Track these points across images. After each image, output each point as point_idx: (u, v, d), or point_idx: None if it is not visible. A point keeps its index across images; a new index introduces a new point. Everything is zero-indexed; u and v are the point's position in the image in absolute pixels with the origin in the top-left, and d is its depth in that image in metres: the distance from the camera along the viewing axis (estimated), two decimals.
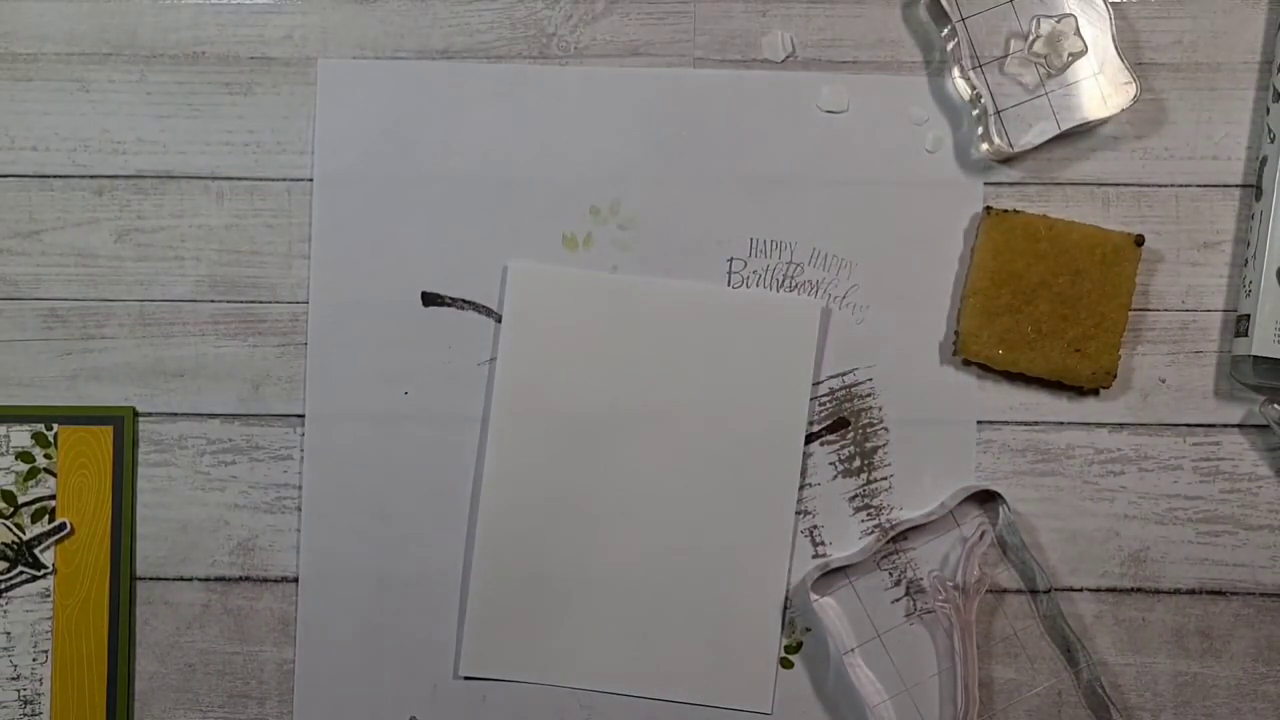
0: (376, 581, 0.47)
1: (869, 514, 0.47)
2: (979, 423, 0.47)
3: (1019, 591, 0.47)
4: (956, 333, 0.46)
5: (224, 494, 0.47)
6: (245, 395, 0.47)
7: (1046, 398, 0.47)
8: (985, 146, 0.46)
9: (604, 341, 0.46)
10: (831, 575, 0.46)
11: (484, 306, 0.47)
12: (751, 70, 0.47)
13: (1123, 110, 0.46)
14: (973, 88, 0.46)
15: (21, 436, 0.46)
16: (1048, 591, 0.46)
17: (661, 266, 0.47)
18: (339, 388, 0.47)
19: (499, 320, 0.47)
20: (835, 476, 0.47)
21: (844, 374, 0.47)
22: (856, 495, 0.47)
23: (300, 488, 0.47)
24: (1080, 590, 0.47)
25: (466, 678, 0.46)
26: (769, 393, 0.46)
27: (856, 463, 0.47)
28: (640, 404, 0.46)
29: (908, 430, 0.47)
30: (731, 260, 0.47)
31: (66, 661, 0.46)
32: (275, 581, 0.47)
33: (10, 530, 0.46)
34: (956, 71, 0.46)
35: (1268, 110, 0.47)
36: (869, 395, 0.47)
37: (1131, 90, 0.45)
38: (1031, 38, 0.46)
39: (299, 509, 0.47)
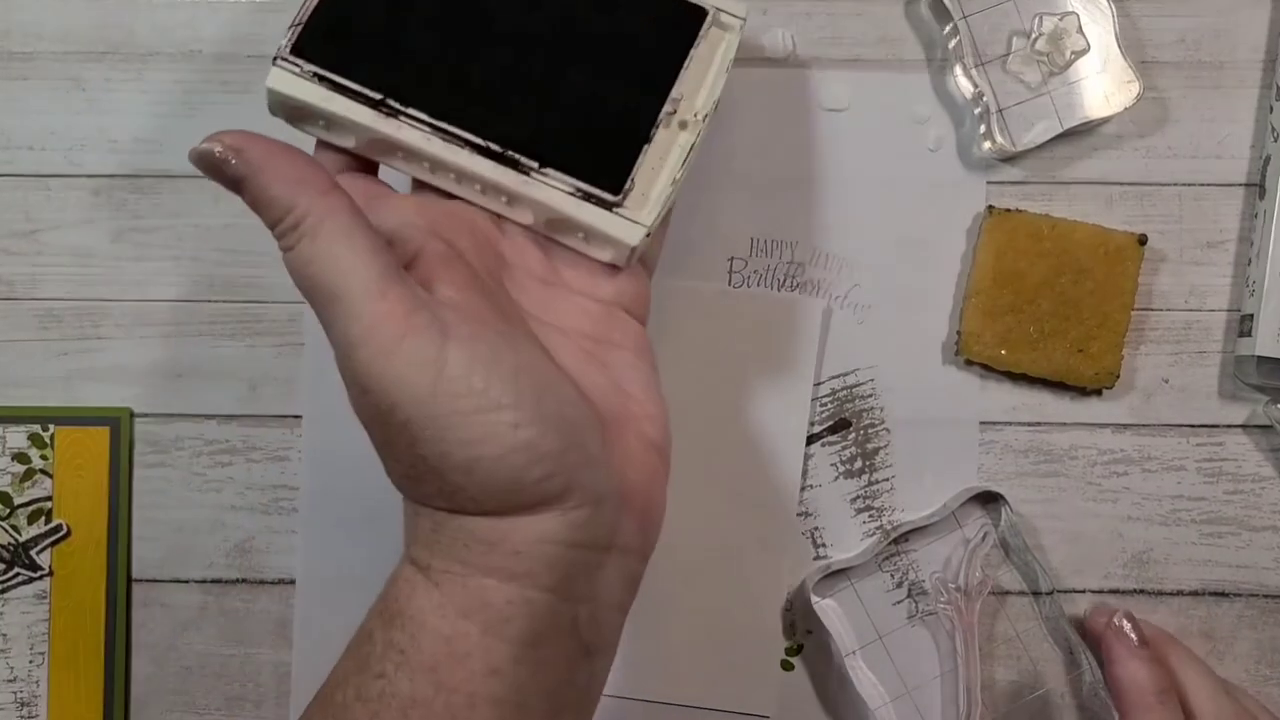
0: (374, 583, 0.46)
1: (870, 515, 0.47)
2: (981, 423, 0.47)
3: (1021, 593, 0.47)
4: (959, 333, 0.46)
5: (221, 495, 0.47)
6: (242, 396, 0.46)
7: (1049, 398, 0.47)
8: (988, 145, 0.46)
9: None
10: (833, 577, 0.46)
11: None
12: (752, 69, 0.47)
13: (1126, 109, 0.45)
14: (975, 86, 0.45)
15: (18, 437, 0.46)
16: (1050, 593, 0.46)
17: (662, 266, 0.46)
18: (337, 388, 0.46)
19: None
20: (836, 478, 0.47)
21: (845, 374, 0.47)
22: (858, 496, 0.47)
23: (298, 489, 0.47)
24: (1083, 592, 0.47)
25: None
26: (770, 393, 0.46)
27: (858, 464, 0.47)
28: None
29: (909, 431, 0.47)
30: (732, 260, 0.47)
31: (63, 663, 0.46)
32: (272, 584, 0.47)
33: (7, 532, 0.46)
34: (959, 69, 0.46)
35: (1271, 109, 0.46)
36: (870, 396, 0.47)
37: (1134, 88, 0.45)
38: (1034, 36, 0.46)
39: (296, 510, 0.47)
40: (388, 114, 0.35)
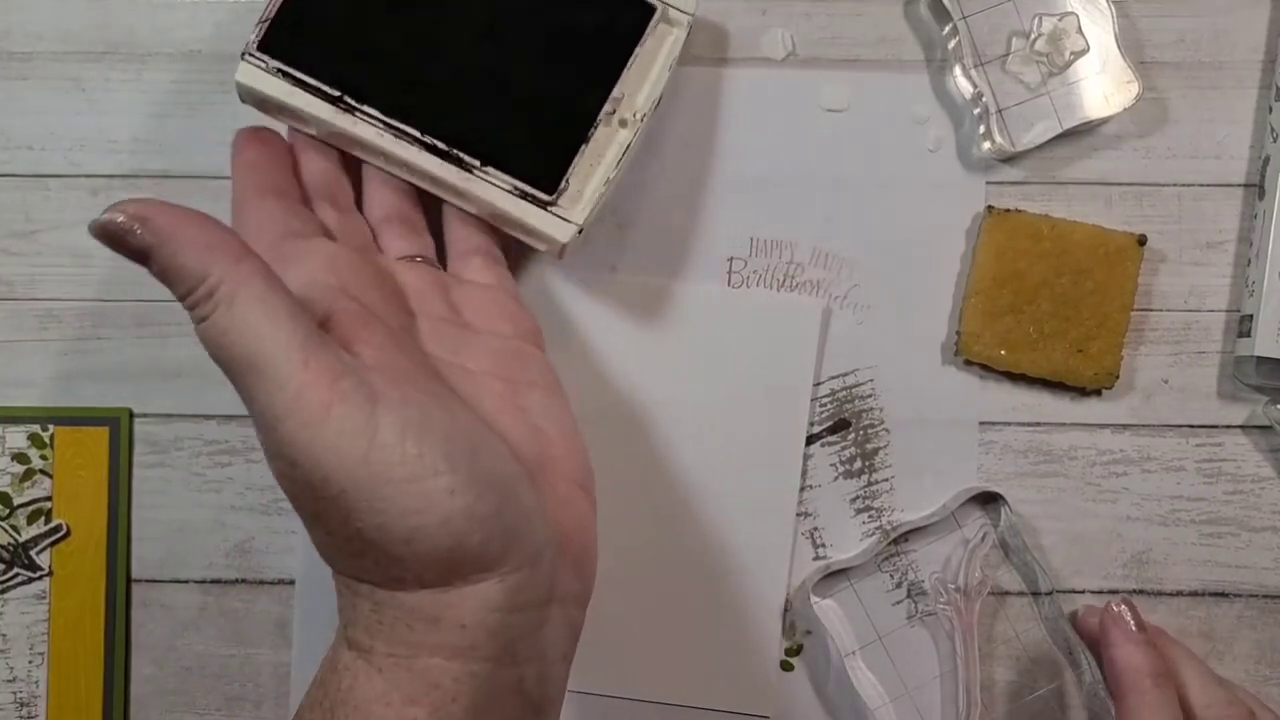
0: None
1: (870, 516, 0.47)
2: (981, 423, 0.47)
3: (1021, 593, 0.47)
4: (958, 333, 0.46)
5: (220, 495, 0.47)
6: None
7: (1049, 398, 0.47)
8: (987, 145, 0.46)
9: (603, 342, 0.46)
10: (832, 577, 0.46)
11: None
12: (752, 69, 0.47)
13: (1125, 109, 0.45)
14: (974, 86, 0.45)
15: (18, 438, 0.46)
16: (1050, 593, 0.46)
17: (661, 266, 0.46)
18: None
19: None
20: (836, 478, 0.47)
21: (845, 374, 0.47)
22: (858, 497, 0.47)
23: None
24: (1083, 592, 0.47)
25: None
26: (770, 393, 0.46)
27: (858, 464, 0.47)
28: (640, 405, 0.46)
29: (909, 431, 0.47)
30: (732, 260, 0.47)
31: (63, 664, 0.46)
32: (272, 584, 0.47)
33: (7, 532, 0.46)
34: (958, 70, 0.46)
35: (1271, 109, 0.46)
36: (870, 396, 0.47)
37: (1134, 89, 0.45)
38: (1033, 36, 0.46)
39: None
40: (344, 110, 0.37)
